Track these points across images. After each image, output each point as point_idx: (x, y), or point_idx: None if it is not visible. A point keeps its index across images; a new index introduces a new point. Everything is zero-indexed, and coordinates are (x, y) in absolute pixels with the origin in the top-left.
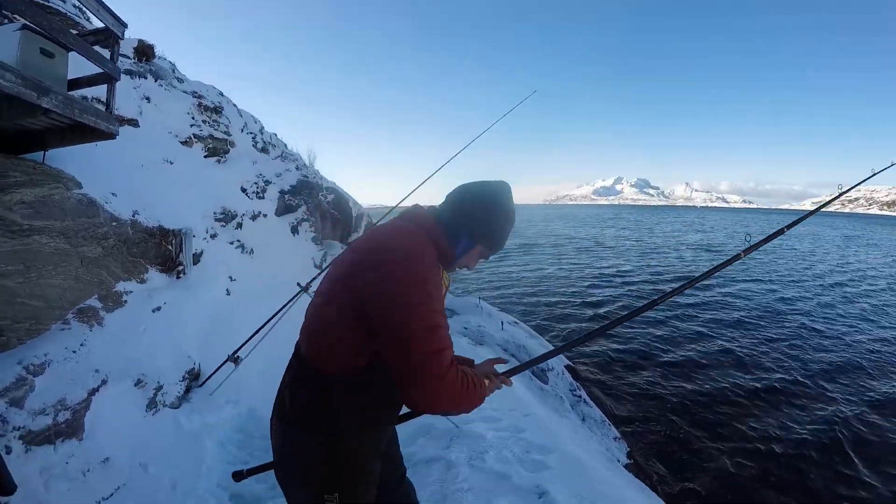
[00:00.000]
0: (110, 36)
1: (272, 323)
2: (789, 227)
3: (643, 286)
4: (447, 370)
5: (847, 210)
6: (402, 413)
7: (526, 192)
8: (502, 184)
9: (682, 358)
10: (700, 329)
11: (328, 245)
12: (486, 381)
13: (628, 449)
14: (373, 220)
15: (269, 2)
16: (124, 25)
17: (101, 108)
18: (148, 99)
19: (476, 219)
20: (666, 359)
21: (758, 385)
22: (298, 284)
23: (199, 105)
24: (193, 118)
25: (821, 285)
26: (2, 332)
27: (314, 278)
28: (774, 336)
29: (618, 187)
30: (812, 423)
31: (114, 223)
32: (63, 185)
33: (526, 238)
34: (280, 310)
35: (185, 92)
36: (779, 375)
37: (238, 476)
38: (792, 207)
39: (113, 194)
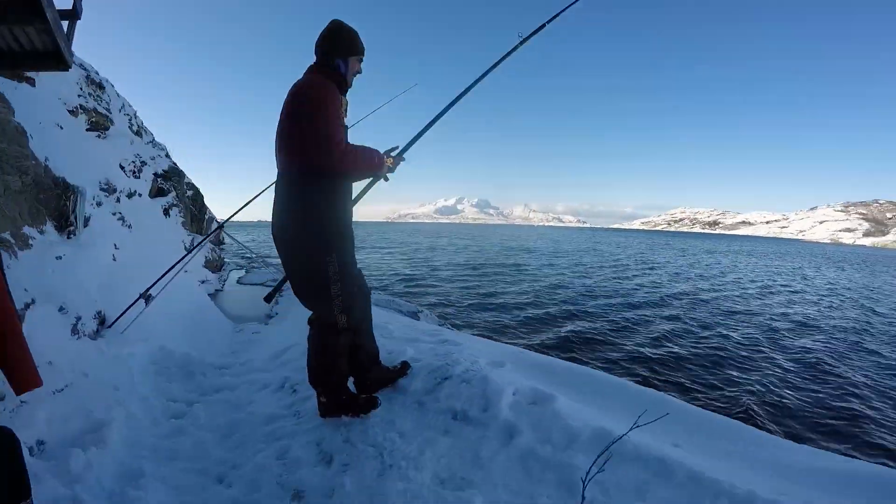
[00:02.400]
0: None
1: (172, 273)
2: None
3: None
4: (342, 148)
5: (673, 229)
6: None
7: (367, 210)
8: (333, 20)
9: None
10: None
11: (193, 234)
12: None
13: None
14: (222, 228)
15: None
16: None
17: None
18: None
19: (335, 44)
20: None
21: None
22: (217, 222)
23: (87, 77)
24: (81, 89)
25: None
26: None
27: (231, 217)
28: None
29: (459, 207)
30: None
31: (33, 161)
32: (7, 109)
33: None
34: (191, 251)
35: (76, 63)
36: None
37: (269, 298)
38: (622, 227)
39: (30, 135)
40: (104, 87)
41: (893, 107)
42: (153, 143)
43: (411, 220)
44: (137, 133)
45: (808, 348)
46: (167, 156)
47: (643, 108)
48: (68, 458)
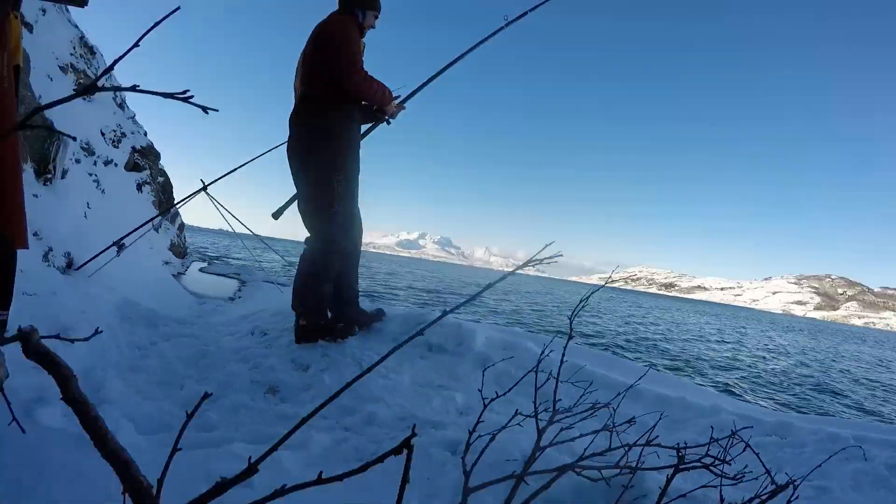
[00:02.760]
0: None
1: (140, 232)
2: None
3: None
4: (363, 73)
5: (630, 287)
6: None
7: None
8: None
9: None
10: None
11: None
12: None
13: None
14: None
15: None
16: None
17: None
18: (44, 11)
19: None
20: None
21: None
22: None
23: (81, 39)
24: (74, 49)
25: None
26: None
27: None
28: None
29: (421, 242)
30: None
31: (28, 92)
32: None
33: None
34: (176, 204)
35: (70, 22)
36: None
37: (277, 215)
38: (580, 280)
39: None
40: (95, 53)
41: (849, 185)
42: (134, 119)
43: (372, 250)
44: (120, 106)
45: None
46: (145, 135)
47: (606, 161)
48: (28, 338)
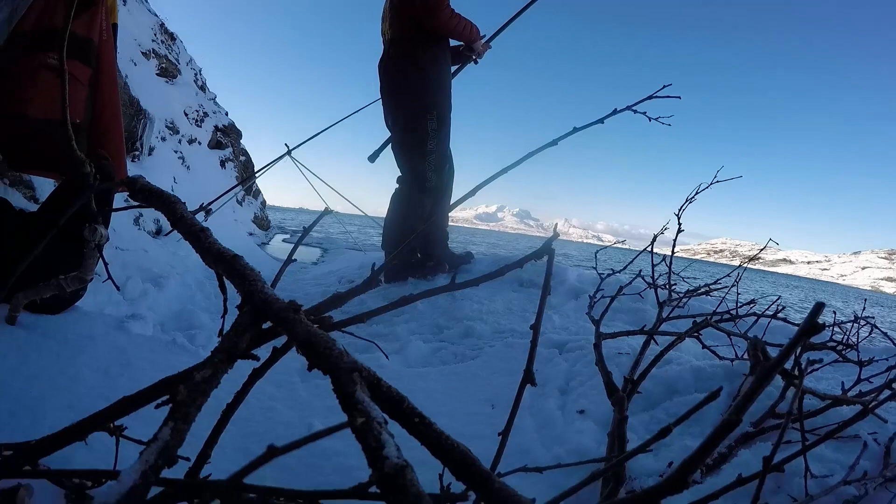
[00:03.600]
0: None
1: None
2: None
3: None
4: (451, 10)
5: (713, 259)
6: None
7: None
8: None
9: None
10: None
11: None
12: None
13: None
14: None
15: None
16: None
17: None
18: (125, 1)
19: None
20: None
21: None
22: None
23: (161, 25)
24: (155, 35)
25: None
26: None
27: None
28: None
29: (499, 215)
30: None
31: (117, 72)
32: None
33: None
34: (261, 169)
35: (150, 10)
36: None
37: (373, 158)
38: (659, 251)
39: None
40: (175, 39)
41: None
42: (215, 101)
43: (450, 223)
44: (202, 88)
45: None
46: (227, 115)
47: (691, 125)
48: (125, 284)
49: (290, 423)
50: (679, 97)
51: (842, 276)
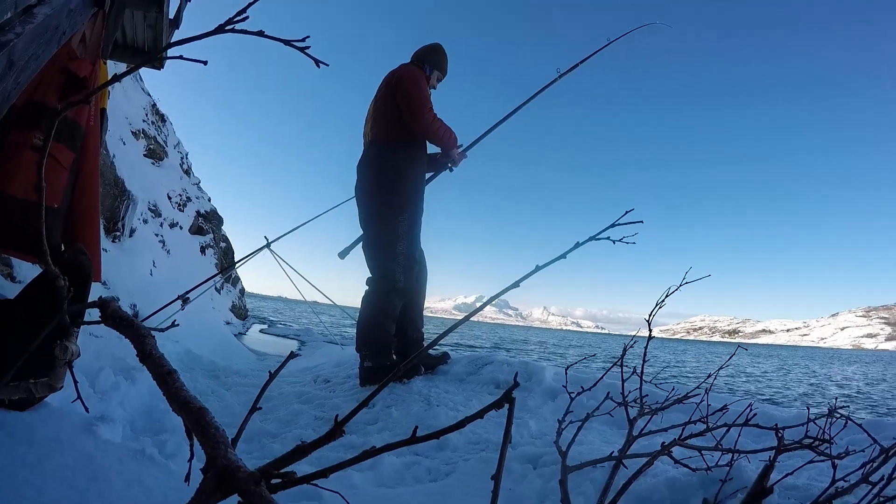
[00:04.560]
0: None
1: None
2: None
3: None
4: (434, 114)
5: (692, 337)
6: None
7: None
8: (437, 43)
9: None
10: None
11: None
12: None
13: None
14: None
15: None
16: None
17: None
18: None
19: (431, 55)
20: None
21: None
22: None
23: (153, 106)
24: (147, 115)
25: None
26: None
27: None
28: None
29: (478, 304)
30: None
31: (103, 151)
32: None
33: None
34: (240, 260)
35: (143, 90)
36: None
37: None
38: (639, 334)
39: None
40: (165, 120)
41: None
42: (199, 186)
43: (430, 315)
44: (187, 172)
45: None
46: (209, 201)
47: (658, 208)
48: (96, 375)
49: None
50: (641, 221)
51: (822, 339)
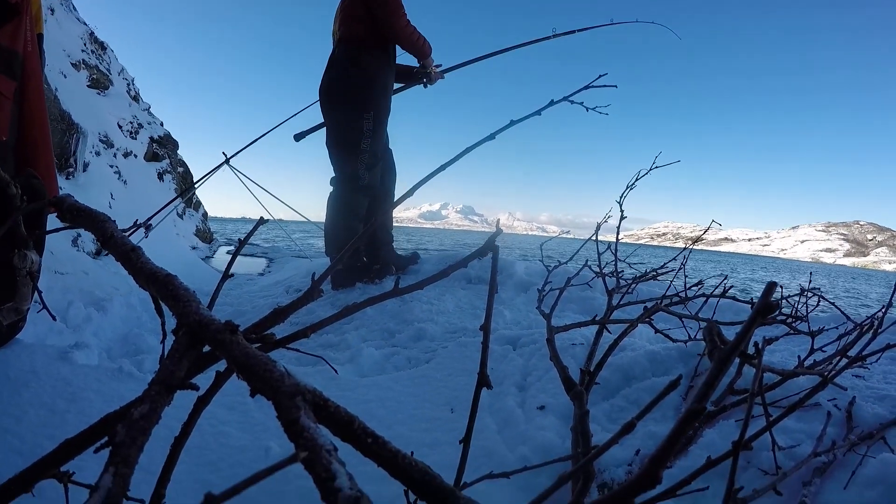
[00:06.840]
0: None
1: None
2: None
3: None
4: (407, 19)
5: (656, 243)
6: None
7: None
8: None
9: None
10: None
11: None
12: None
13: None
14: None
15: None
16: None
17: None
18: (52, 10)
19: None
20: None
21: None
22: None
23: (91, 35)
24: (85, 45)
25: None
26: None
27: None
28: None
29: (444, 212)
30: None
31: (46, 85)
32: None
33: None
34: (200, 180)
35: (79, 20)
36: None
37: (298, 137)
38: (604, 238)
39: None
40: (105, 48)
41: (877, 128)
42: (149, 111)
43: (396, 224)
44: (135, 98)
45: None
46: (162, 125)
47: (629, 113)
48: (66, 310)
49: (246, 448)
50: (615, 86)
51: (782, 250)
